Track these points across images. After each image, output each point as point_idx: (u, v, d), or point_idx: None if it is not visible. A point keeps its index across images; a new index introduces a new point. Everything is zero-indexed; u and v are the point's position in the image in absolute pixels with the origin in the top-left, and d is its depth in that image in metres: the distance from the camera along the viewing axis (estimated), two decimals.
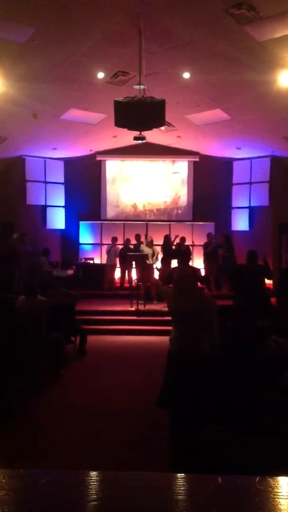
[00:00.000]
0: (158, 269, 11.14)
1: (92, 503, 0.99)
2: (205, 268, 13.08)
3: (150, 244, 12.16)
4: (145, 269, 11.62)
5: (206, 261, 13.16)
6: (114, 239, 13.64)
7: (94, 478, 1.09)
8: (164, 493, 1.01)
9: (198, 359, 4.09)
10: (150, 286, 11.79)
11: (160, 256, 12.56)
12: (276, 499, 0.96)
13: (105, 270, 13.39)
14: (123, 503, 0.97)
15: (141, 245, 12.47)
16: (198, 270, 8.87)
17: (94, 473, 1.10)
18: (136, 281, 12.13)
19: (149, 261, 11.70)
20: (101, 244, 14.79)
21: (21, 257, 11.84)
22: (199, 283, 6.78)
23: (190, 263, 11.53)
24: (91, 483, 1.07)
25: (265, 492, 0.98)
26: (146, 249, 12.04)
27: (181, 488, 1.03)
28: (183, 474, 1.08)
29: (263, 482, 1.02)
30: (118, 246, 13.64)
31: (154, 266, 11.78)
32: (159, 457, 4.23)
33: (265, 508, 0.94)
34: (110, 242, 13.62)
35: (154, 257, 12.10)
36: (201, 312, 4.28)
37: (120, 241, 13.96)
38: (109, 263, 13.48)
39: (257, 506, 0.94)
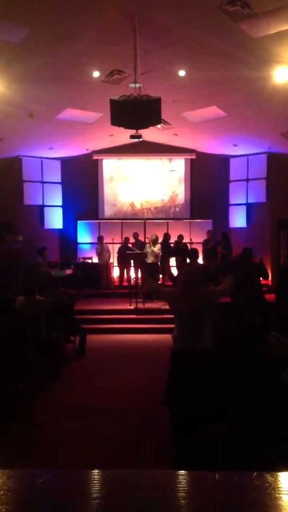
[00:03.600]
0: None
1: (91, 502, 0.99)
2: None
3: (155, 242, 11.97)
4: (149, 267, 11.41)
5: (205, 258, 13.16)
6: (100, 238, 13.73)
7: (92, 477, 1.09)
8: (162, 490, 1.01)
9: (202, 357, 4.09)
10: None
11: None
12: (274, 495, 0.96)
13: (100, 269, 13.47)
14: (120, 501, 0.97)
15: (146, 245, 12.07)
16: (206, 267, 8.86)
17: (92, 471, 1.10)
18: (134, 279, 12.12)
19: (153, 260, 11.57)
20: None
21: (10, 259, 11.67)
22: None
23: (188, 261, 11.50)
24: (90, 482, 1.07)
25: (262, 488, 0.99)
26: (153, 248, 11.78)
27: (179, 485, 1.03)
28: (181, 471, 1.09)
29: (261, 478, 1.02)
30: (107, 244, 13.75)
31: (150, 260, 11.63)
32: (160, 456, 4.24)
33: (262, 503, 0.94)
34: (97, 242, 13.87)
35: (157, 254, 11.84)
36: (204, 309, 4.29)
37: (117, 239, 13.98)
38: (101, 262, 13.51)
39: (254, 502, 0.95)
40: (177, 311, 4.46)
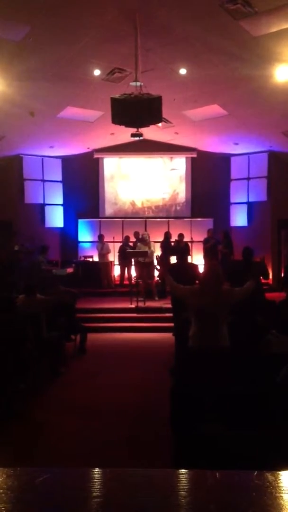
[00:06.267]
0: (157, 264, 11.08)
1: (91, 500, 0.98)
2: (205, 264, 13.06)
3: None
4: (145, 267, 11.57)
5: (205, 257, 13.16)
6: (100, 237, 13.72)
7: (93, 476, 1.08)
8: (162, 489, 1.01)
9: (221, 355, 4.11)
10: (151, 282, 11.77)
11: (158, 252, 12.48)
12: (274, 494, 0.96)
13: (100, 268, 13.46)
14: (121, 500, 0.97)
15: (138, 244, 12.37)
16: (196, 266, 8.86)
17: (93, 470, 1.09)
18: (135, 278, 12.12)
19: (148, 259, 11.63)
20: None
21: (22, 257, 11.92)
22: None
23: (189, 259, 11.50)
24: (90, 481, 1.06)
25: (263, 487, 0.98)
26: (142, 247, 11.97)
27: (180, 484, 1.03)
28: (181, 470, 1.08)
29: (261, 477, 1.02)
30: (107, 243, 13.72)
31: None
32: (161, 455, 4.24)
33: (263, 502, 0.94)
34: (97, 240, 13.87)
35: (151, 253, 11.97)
36: (223, 308, 4.33)
37: (118, 238, 13.97)
38: (102, 261, 13.51)
39: (255, 501, 0.94)
40: (196, 309, 4.47)
